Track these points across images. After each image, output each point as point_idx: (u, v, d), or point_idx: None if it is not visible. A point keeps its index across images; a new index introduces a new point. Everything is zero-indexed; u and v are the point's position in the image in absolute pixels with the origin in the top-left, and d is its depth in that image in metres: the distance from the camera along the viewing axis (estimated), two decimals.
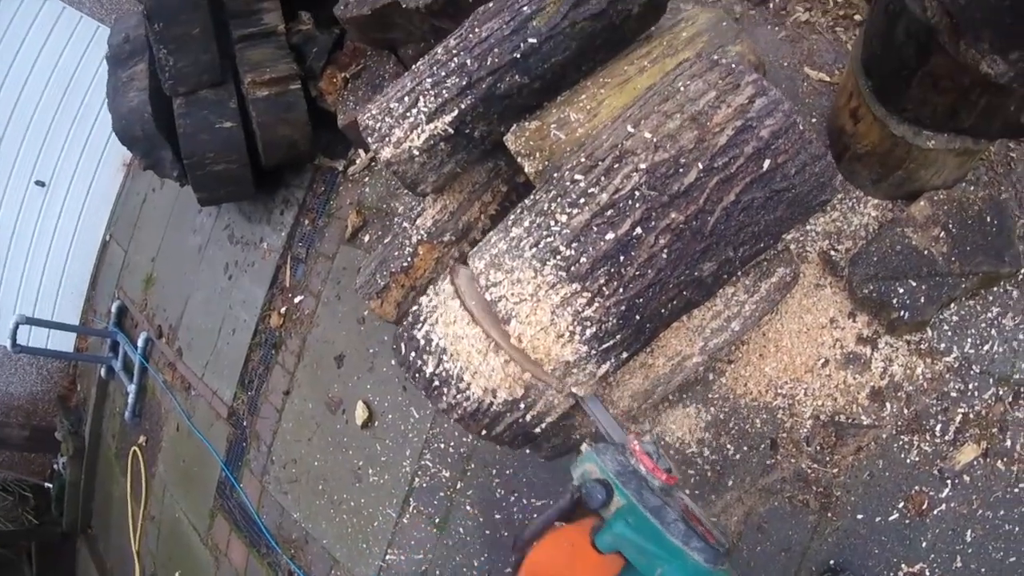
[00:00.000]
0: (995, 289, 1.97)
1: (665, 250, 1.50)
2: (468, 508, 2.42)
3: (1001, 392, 1.90)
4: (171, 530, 3.88)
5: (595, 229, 1.50)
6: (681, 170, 1.48)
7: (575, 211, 1.53)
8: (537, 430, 1.73)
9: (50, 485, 5.03)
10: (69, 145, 4.90)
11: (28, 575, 4.83)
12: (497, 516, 2.35)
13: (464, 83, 1.93)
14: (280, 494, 3.10)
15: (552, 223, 1.55)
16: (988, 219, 1.96)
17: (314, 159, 3.39)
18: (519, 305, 1.53)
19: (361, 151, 3.21)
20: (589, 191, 1.54)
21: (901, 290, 1.96)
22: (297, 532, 3.00)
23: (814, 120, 2.28)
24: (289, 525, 3.04)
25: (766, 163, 1.50)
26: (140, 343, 4.26)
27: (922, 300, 1.94)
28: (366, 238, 3.02)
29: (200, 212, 4.04)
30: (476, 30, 2.00)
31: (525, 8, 1.96)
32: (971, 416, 1.90)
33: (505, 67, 1.94)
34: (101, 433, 4.78)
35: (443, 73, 1.97)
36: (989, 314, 1.94)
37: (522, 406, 1.66)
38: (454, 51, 1.99)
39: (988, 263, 1.91)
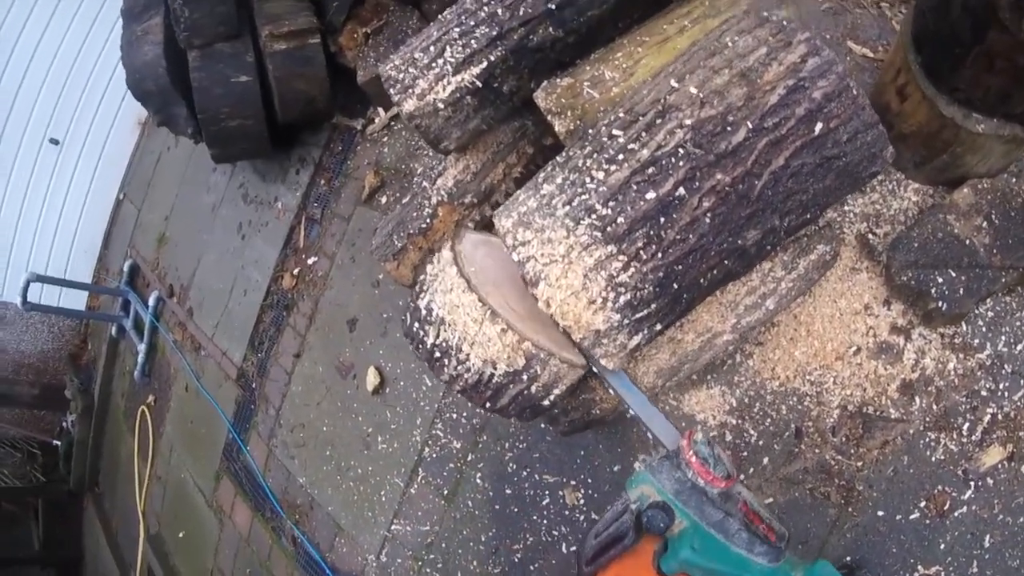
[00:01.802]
0: None
1: (709, 214, 1.40)
2: (478, 481, 2.36)
3: None
4: (177, 490, 3.88)
5: (634, 187, 1.41)
6: (729, 128, 1.38)
7: (613, 168, 1.43)
8: (546, 402, 1.64)
9: (58, 443, 5.06)
10: (84, 103, 4.81)
11: (35, 531, 4.86)
12: (508, 491, 2.29)
13: (494, 33, 1.83)
14: (287, 458, 3.06)
15: (588, 180, 1.46)
16: None
17: (332, 117, 3.29)
18: (549, 267, 1.44)
19: (380, 110, 3.11)
20: (629, 147, 1.44)
21: (940, 280, 1.86)
22: (302, 497, 2.96)
23: None
24: (295, 490, 3.01)
25: (818, 127, 1.39)
26: (151, 302, 4.23)
27: (961, 291, 1.84)
28: (383, 199, 2.93)
29: (214, 171, 3.97)
30: None
31: None
32: (999, 417, 1.82)
33: (538, 18, 1.83)
34: (110, 392, 4.78)
35: (472, 23, 1.86)
36: None
37: (525, 377, 1.57)
38: (485, 1, 1.88)
39: None
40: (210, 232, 3.89)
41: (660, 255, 1.42)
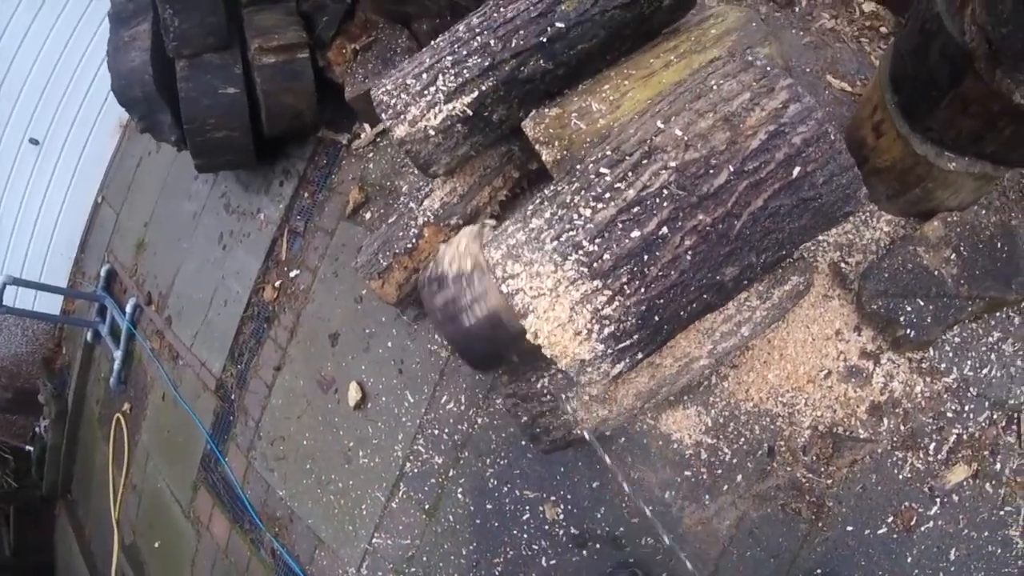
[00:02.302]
0: (998, 314, 1.99)
1: (690, 252, 1.47)
2: (459, 496, 2.39)
3: (995, 416, 1.92)
4: (153, 500, 3.83)
5: (620, 225, 1.47)
6: (711, 171, 1.45)
7: (600, 205, 1.49)
8: (464, 319, 1.75)
9: (31, 448, 4.96)
10: (65, 104, 4.75)
11: (5, 538, 4.77)
12: (488, 506, 2.33)
13: (487, 64, 1.88)
14: (266, 471, 3.05)
15: (575, 216, 1.51)
16: (999, 245, 1.97)
17: (317, 131, 3.30)
18: (537, 300, 1.49)
19: (367, 125, 3.13)
20: (615, 186, 1.50)
21: (909, 308, 1.96)
22: (282, 510, 2.96)
23: None
24: (274, 502, 3.00)
25: (796, 170, 1.47)
26: (128, 309, 4.17)
27: (929, 320, 1.95)
28: (367, 215, 2.95)
29: (196, 179, 3.94)
30: (501, 9, 1.93)
31: None
32: (964, 437, 1.93)
33: (530, 51, 1.89)
34: (85, 398, 4.70)
35: (464, 52, 1.91)
36: (990, 338, 1.97)
37: (464, 283, 1.73)
38: (477, 30, 1.93)
39: (995, 288, 1.92)
40: (190, 240, 3.86)
41: (643, 290, 1.49)
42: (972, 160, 1.77)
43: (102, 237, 4.78)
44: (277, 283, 3.23)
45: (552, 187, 1.65)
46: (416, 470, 2.51)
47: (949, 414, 1.95)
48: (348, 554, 2.66)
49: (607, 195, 1.50)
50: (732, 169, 1.43)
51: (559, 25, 1.89)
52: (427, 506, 2.46)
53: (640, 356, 1.61)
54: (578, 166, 1.64)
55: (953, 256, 1.98)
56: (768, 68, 1.53)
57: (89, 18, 4.57)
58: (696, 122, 1.50)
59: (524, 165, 2.31)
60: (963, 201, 2.03)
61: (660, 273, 1.48)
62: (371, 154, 3.08)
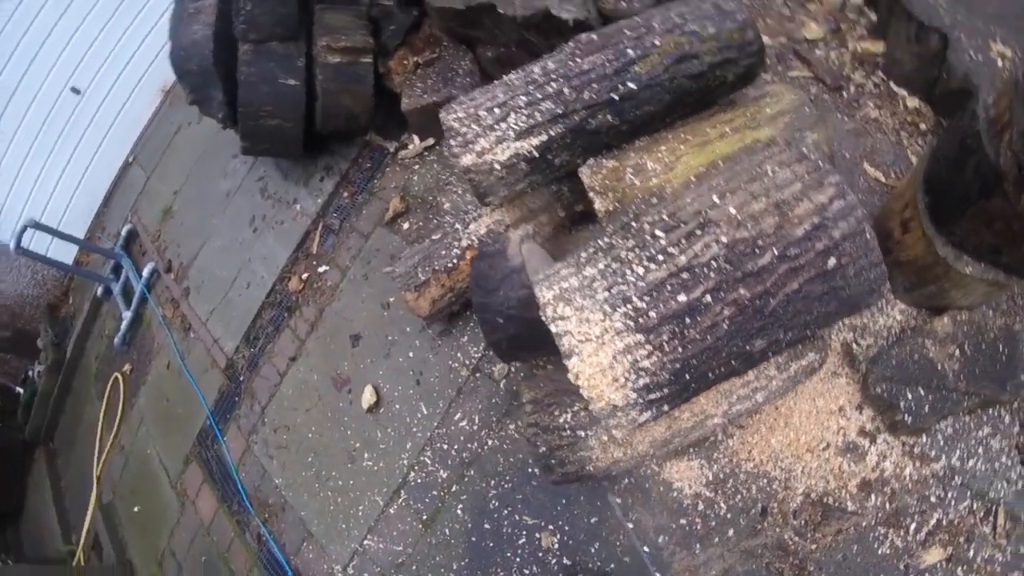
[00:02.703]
0: (990, 411, 2.12)
1: (727, 321, 1.57)
2: (459, 512, 2.46)
3: (975, 506, 2.04)
4: (139, 465, 3.85)
5: (669, 288, 1.57)
6: (757, 251, 1.56)
7: (652, 266, 1.59)
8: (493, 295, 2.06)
9: (21, 390, 4.96)
10: (113, 58, 4.81)
11: None
12: (486, 526, 2.39)
13: (559, 111, 1.98)
14: (265, 457, 3.10)
15: (628, 272, 1.61)
16: (1000, 347, 2.10)
17: (366, 134, 3.38)
18: (583, 344, 1.58)
19: (416, 137, 3.22)
20: (669, 250, 1.60)
21: (910, 396, 2.09)
22: (275, 497, 3.00)
23: None
24: (268, 489, 3.04)
25: (831, 261, 1.59)
26: (145, 272, 4.22)
27: (926, 409, 2.08)
28: (405, 225, 3.03)
29: (235, 157, 4.01)
30: (578, 60, 2.04)
31: (630, 52, 2.01)
32: (944, 522, 2.05)
33: (601, 105, 2.00)
34: (84, 351, 4.72)
35: (539, 95, 2.01)
36: (980, 432, 2.10)
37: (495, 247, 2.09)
38: (553, 75, 2.03)
39: (991, 388, 2.06)
40: (220, 217, 3.91)
41: (680, 349, 1.59)
42: (988, 268, 1.90)
43: (128, 197, 4.83)
44: (304, 275, 3.29)
45: (607, 239, 1.75)
46: (419, 480, 2.57)
47: (933, 499, 2.07)
48: (337, 551, 2.70)
49: (660, 257, 1.61)
50: (776, 252, 1.55)
51: (631, 85, 2.01)
52: (425, 517, 2.52)
53: (666, 408, 1.71)
54: (634, 223, 1.74)
55: (957, 352, 2.11)
56: (820, 163, 1.66)
57: None
58: (749, 203, 1.61)
59: (571, 206, 2.41)
60: (974, 302, 2.16)
61: (698, 336, 1.58)
62: (416, 166, 3.16)
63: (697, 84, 2.09)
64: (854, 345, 2.29)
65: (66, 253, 4.86)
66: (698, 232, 1.62)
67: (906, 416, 2.07)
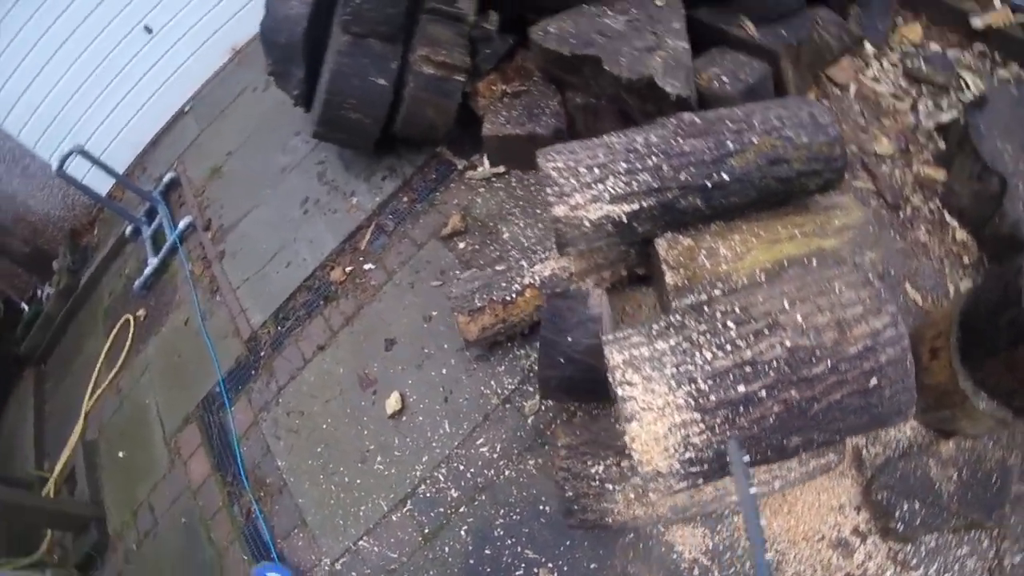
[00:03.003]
0: (973, 533, 2.25)
1: (774, 416, 1.71)
2: (462, 533, 2.50)
3: None
4: (134, 412, 3.83)
5: (731, 377, 1.70)
6: (814, 360, 1.71)
7: (720, 354, 1.72)
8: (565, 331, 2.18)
9: (26, 307, 4.92)
10: (189, 8, 4.88)
11: None
12: (487, 551, 2.44)
13: (655, 186, 2.09)
14: (272, 436, 3.12)
15: (697, 355, 1.73)
16: (994, 478, 2.25)
17: (438, 146, 3.47)
18: (645, 412, 1.69)
19: (487, 161, 3.31)
20: (737, 343, 1.73)
21: (906, 507, 2.24)
22: (274, 478, 3.02)
23: None
24: (268, 468, 3.05)
25: (872, 381, 1.74)
26: (181, 224, 4.24)
27: (918, 521, 2.22)
28: (461, 244, 3.10)
29: (297, 135, 4.08)
30: (680, 140, 2.15)
31: (730, 144, 2.13)
32: None
33: (694, 188, 2.11)
34: (99, 284, 4.71)
35: (639, 166, 2.11)
36: (960, 551, 2.22)
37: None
38: (654, 149, 2.14)
39: (979, 513, 2.20)
40: (273, 190, 3.96)
41: (729, 433, 1.71)
42: (1000, 407, 2.04)
43: (176, 144, 4.86)
44: (348, 268, 3.34)
45: (679, 318, 1.85)
46: (428, 494, 2.61)
47: None
48: (329, 545, 2.73)
49: (728, 347, 1.73)
50: (829, 365, 1.69)
51: (724, 176, 2.13)
52: (427, 531, 2.56)
53: (701, 482, 1.83)
54: (707, 308, 1.85)
55: (955, 476, 2.26)
56: (881, 292, 1.80)
57: None
58: (815, 315, 1.75)
59: (633, 269, 2.51)
60: (979, 433, 2.31)
61: (746, 424, 1.72)
62: (482, 189, 3.25)
63: (783, 187, 2.21)
64: (864, 451, 2.42)
65: (102, 185, 4.88)
66: (766, 331, 1.74)
67: (899, 524, 2.21)
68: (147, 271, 4.24)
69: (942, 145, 3.02)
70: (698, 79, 2.81)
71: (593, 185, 2.11)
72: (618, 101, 2.87)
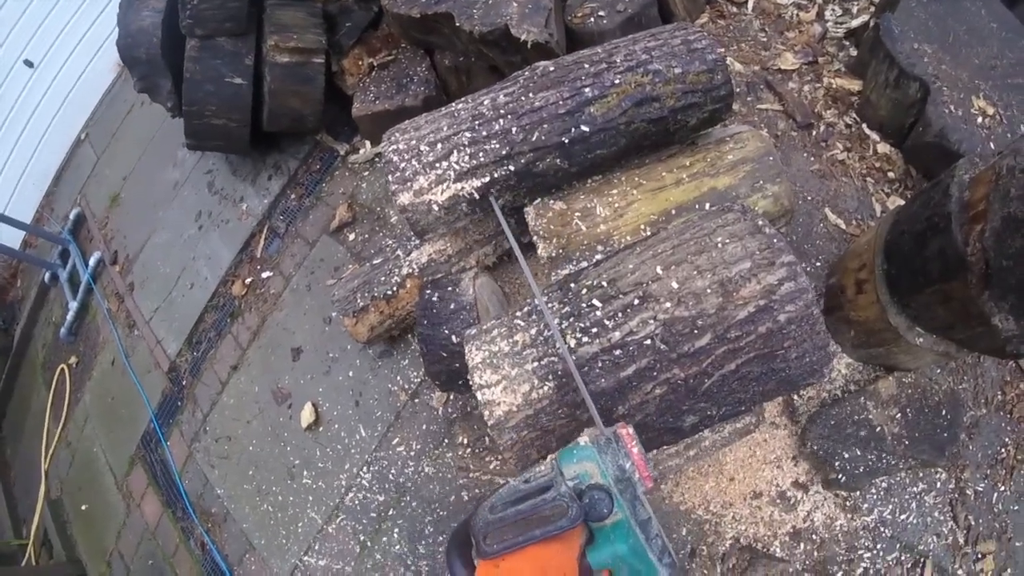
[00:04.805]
0: (928, 469, 2.12)
1: (657, 399, 1.52)
2: (395, 536, 2.44)
3: (903, 557, 2.07)
4: (86, 462, 3.77)
5: (600, 364, 1.51)
6: (696, 332, 1.49)
7: (585, 339, 1.53)
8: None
9: None
10: (67, 32, 4.60)
11: None
12: (421, 550, 2.39)
13: (504, 152, 1.88)
14: (207, 465, 3.05)
15: (560, 344, 1.55)
16: (943, 412, 2.08)
17: (317, 133, 3.25)
18: (509, 417, 1.54)
19: (367, 143, 3.10)
20: (604, 323, 1.53)
21: (846, 456, 2.08)
22: (217, 507, 2.97)
23: (818, 265, 2.31)
24: (211, 498, 3.00)
25: (773, 344, 1.50)
26: (92, 262, 4.07)
27: (860, 470, 2.07)
28: (351, 236, 2.94)
29: (184, 146, 3.83)
30: (530, 95, 1.93)
31: (587, 91, 1.90)
32: (871, 572, 2.07)
33: (549, 148, 1.90)
34: (32, 338, 4.57)
35: (484, 133, 1.91)
36: (915, 488, 2.11)
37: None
38: (502, 111, 1.92)
39: (930, 454, 2.04)
40: (167, 210, 3.77)
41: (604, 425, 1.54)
42: (938, 339, 1.86)
43: (78, 177, 4.63)
44: (248, 280, 3.19)
45: (543, 299, 1.69)
46: (357, 502, 2.55)
47: (861, 549, 2.09)
48: (278, 566, 2.69)
49: (594, 330, 1.53)
50: (715, 334, 1.48)
51: (583, 128, 1.90)
52: (362, 538, 2.50)
53: None
54: (572, 285, 1.67)
55: (899, 416, 2.09)
56: (774, 240, 1.55)
57: None
58: (693, 278, 1.52)
59: (520, 236, 2.34)
60: (920, 367, 2.15)
61: (624, 412, 1.54)
62: (366, 173, 3.05)
63: (656, 128, 1.97)
64: (795, 398, 2.26)
65: (14, 236, 4.68)
66: (636, 304, 1.54)
67: (840, 476, 2.08)
68: (69, 316, 4.10)
69: (854, 52, 2.77)
70: (572, 18, 2.56)
71: (436, 164, 1.91)
72: (483, 57, 2.63)
